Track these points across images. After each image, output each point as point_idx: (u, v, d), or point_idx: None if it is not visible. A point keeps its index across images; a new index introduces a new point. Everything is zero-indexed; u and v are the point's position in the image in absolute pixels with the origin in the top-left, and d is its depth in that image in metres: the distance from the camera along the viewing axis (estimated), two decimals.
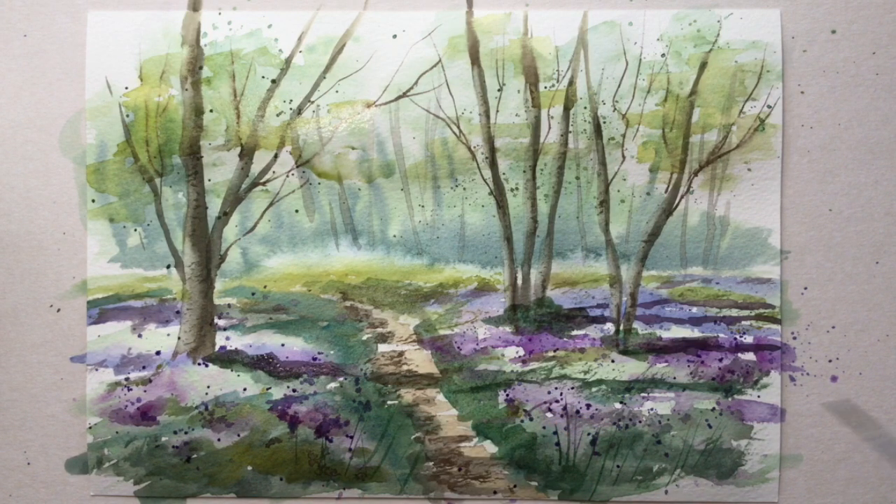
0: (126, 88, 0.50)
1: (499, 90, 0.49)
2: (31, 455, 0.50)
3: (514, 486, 0.50)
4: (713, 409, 0.50)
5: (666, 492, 0.50)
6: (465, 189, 0.50)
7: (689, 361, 0.50)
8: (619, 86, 0.49)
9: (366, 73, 0.49)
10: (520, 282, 0.50)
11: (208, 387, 0.50)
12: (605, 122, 0.49)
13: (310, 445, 0.50)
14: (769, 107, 0.49)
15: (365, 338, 0.50)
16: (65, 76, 0.50)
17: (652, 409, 0.50)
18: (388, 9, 0.50)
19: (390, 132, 0.49)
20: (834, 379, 0.50)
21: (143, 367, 0.50)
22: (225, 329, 0.50)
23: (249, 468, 0.50)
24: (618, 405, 0.50)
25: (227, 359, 0.50)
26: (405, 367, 0.50)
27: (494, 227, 0.50)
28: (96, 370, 0.50)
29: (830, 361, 0.50)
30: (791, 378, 0.50)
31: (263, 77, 0.49)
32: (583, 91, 0.49)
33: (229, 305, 0.50)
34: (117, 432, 0.50)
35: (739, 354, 0.50)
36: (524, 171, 0.50)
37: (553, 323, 0.50)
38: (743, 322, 0.50)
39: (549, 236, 0.50)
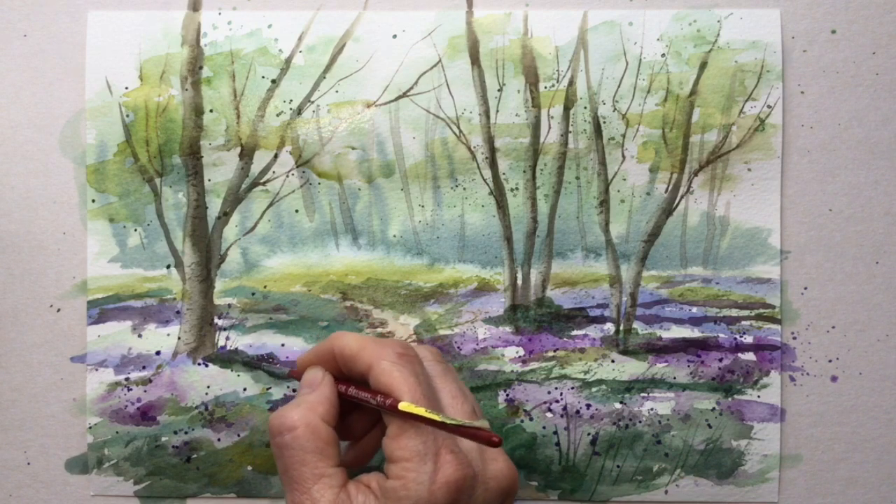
0: (126, 88, 0.50)
1: (499, 90, 0.49)
2: (31, 455, 0.50)
3: None
4: (713, 409, 0.50)
5: (666, 492, 0.50)
6: (465, 189, 0.50)
7: (689, 361, 0.50)
8: (619, 86, 0.49)
9: (366, 73, 0.49)
10: (520, 282, 0.50)
11: (208, 387, 0.50)
12: (605, 122, 0.49)
13: None
14: (769, 107, 0.49)
15: None
16: (65, 76, 0.50)
17: (652, 409, 0.50)
18: (388, 9, 0.50)
19: (390, 132, 0.50)
20: (834, 379, 0.50)
21: (143, 367, 0.50)
22: (225, 329, 0.50)
23: (249, 468, 0.50)
24: (618, 405, 0.50)
25: (227, 359, 0.50)
26: None
27: (494, 227, 0.50)
28: (96, 370, 0.50)
29: (830, 361, 0.50)
30: (791, 378, 0.50)
31: (263, 77, 0.49)
32: (583, 91, 0.49)
33: (229, 305, 0.50)
34: (117, 432, 0.50)
35: (739, 354, 0.50)
36: (524, 171, 0.50)
37: (553, 323, 0.50)
38: (743, 322, 0.50)
39: (549, 236, 0.50)
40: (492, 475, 0.39)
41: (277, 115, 0.50)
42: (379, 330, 0.50)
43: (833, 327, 0.50)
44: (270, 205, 0.50)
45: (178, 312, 0.50)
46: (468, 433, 0.37)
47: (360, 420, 0.44)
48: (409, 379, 0.39)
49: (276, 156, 0.50)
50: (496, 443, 0.36)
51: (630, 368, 0.50)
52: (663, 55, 0.49)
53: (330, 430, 0.40)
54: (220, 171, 0.50)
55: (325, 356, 0.42)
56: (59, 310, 0.50)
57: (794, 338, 0.50)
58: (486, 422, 0.37)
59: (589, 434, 0.50)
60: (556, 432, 0.50)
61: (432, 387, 0.40)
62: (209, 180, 0.50)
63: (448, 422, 0.37)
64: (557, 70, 0.49)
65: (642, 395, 0.50)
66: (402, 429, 0.38)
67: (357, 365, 0.40)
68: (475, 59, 0.49)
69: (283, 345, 0.50)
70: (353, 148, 0.50)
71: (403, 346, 0.41)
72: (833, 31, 0.50)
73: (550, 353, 0.50)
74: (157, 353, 0.50)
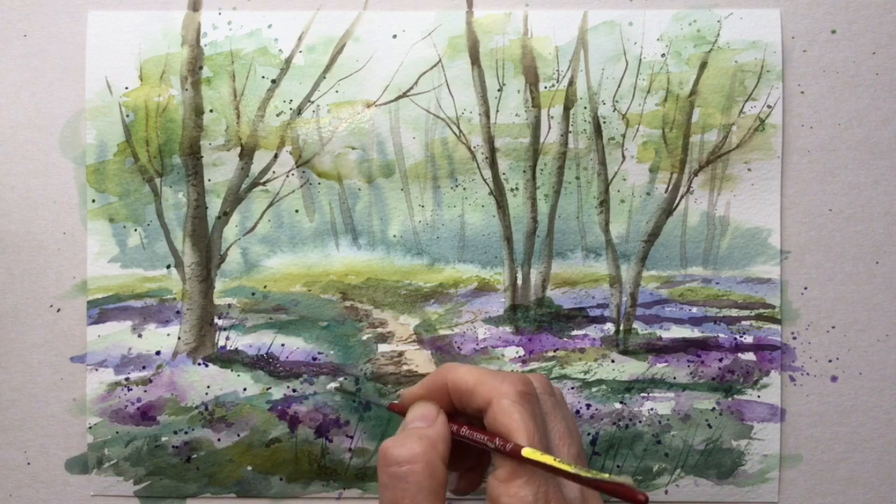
0: (126, 88, 0.50)
1: (499, 90, 0.49)
2: (31, 455, 0.50)
3: None
4: (713, 409, 0.50)
5: (666, 492, 0.50)
6: (465, 189, 0.50)
7: (689, 361, 0.50)
8: (619, 86, 0.49)
9: (366, 73, 0.49)
10: (520, 282, 0.50)
11: (208, 387, 0.50)
12: (605, 122, 0.49)
13: (310, 445, 0.50)
14: (769, 107, 0.49)
15: (365, 338, 0.50)
16: (65, 76, 0.50)
17: (652, 409, 0.50)
18: (388, 9, 0.50)
19: (390, 132, 0.50)
20: (834, 379, 0.50)
21: (143, 367, 0.50)
22: (225, 329, 0.50)
23: (249, 468, 0.50)
24: (618, 405, 0.50)
25: (227, 359, 0.50)
26: (405, 367, 0.50)
27: (494, 227, 0.50)
28: (96, 370, 0.50)
29: (830, 361, 0.50)
30: (791, 378, 0.50)
31: (263, 77, 0.49)
32: (583, 91, 0.49)
33: (229, 305, 0.50)
34: (117, 432, 0.50)
35: (739, 354, 0.50)
36: (524, 171, 0.50)
37: (553, 323, 0.50)
38: (743, 322, 0.50)
39: (549, 236, 0.50)
40: None
41: (277, 115, 0.50)
42: (379, 330, 0.50)
43: (833, 327, 0.50)
44: (270, 205, 0.50)
45: (178, 312, 0.50)
46: (608, 488, 0.35)
47: (466, 457, 0.43)
48: (528, 422, 0.37)
49: (276, 156, 0.50)
50: (642, 501, 0.34)
51: (630, 368, 0.50)
52: (663, 55, 0.49)
53: (445, 471, 0.38)
54: (220, 171, 0.50)
55: (436, 390, 0.40)
56: (59, 310, 0.50)
57: (794, 338, 0.50)
58: (629, 477, 0.35)
59: (589, 434, 0.50)
60: None
61: (546, 426, 0.39)
62: (209, 180, 0.50)
63: (583, 475, 0.35)
64: (557, 70, 0.49)
65: (642, 395, 0.50)
66: (513, 474, 0.36)
67: (474, 400, 0.39)
68: (475, 59, 0.49)
69: (283, 345, 0.50)
70: (353, 148, 0.50)
71: (524, 383, 0.38)
72: (833, 31, 0.50)
73: (550, 353, 0.50)
74: (157, 353, 0.50)
